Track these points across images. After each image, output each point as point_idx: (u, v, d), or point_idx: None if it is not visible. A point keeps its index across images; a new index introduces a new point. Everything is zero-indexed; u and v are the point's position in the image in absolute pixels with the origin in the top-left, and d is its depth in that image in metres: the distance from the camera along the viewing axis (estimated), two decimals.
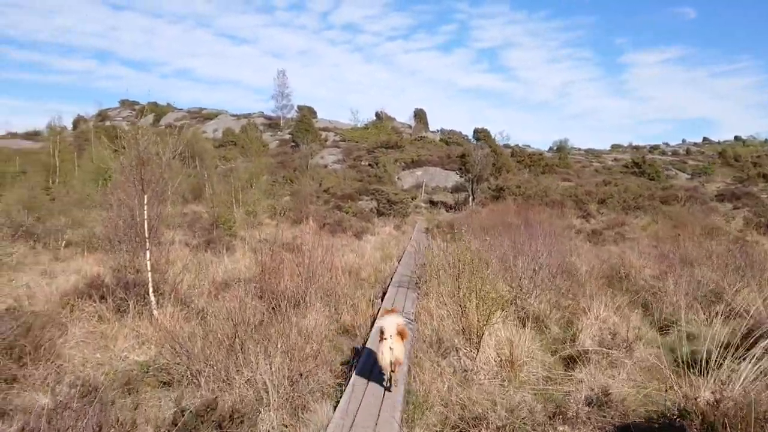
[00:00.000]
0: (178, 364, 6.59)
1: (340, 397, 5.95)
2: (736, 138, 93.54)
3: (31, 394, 5.85)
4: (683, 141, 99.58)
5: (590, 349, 7.68)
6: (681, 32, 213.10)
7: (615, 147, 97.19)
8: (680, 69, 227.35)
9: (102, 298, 9.24)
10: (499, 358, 6.90)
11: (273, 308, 9.78)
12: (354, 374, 6.47)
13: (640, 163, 54.29)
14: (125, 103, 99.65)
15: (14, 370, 6.13)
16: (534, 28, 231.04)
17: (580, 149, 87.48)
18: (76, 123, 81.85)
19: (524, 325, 8.25)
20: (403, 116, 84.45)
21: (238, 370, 6.02)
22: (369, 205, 33.45)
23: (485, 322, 6.81)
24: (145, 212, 8.36)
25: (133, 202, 8.35)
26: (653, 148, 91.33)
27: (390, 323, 6.22)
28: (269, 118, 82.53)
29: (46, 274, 14.65)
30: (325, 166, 50.45)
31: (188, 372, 6.40)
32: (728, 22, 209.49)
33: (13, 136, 73.41)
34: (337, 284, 11.47)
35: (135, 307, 8.51)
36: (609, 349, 7.59)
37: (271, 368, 5.78)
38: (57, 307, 9.60)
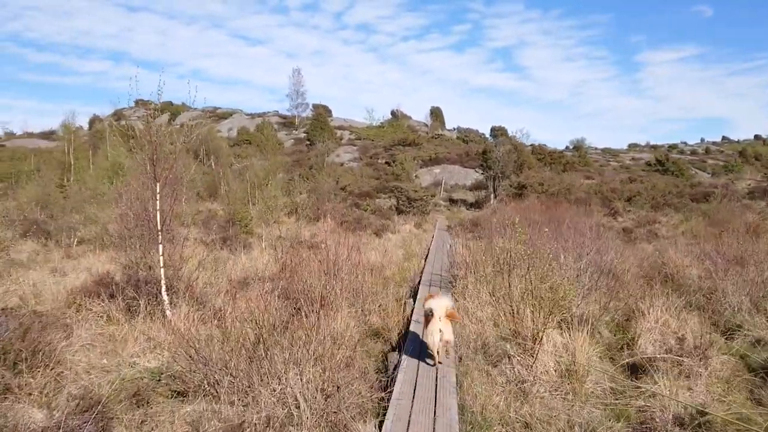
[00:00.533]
0: (193, 372, 5.79)
1: (382, 413, 5.10)
2: (756, 137, 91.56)
3: (26, 408, 5.08)
4: (702, 140, 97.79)
5: (657, 356, 6.78)
6: (697, 30, 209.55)
7: (632, 146, 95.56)
8: (697, 67, 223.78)
9: (111, 296, 8.50)
10: (558, 367, 6.02)
11: (297, 309, 9.02)
12: (396, 386, 5.61)
13: (664, 161, 52.95)
14: (140, 103, 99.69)
15: (7, 379, 5.36)
16: (548, 26, 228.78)
17: (596, 148, 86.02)
18: (92, 123, 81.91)
19: (570, 329, 7.39)
20: (419, 115, 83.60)
21: (262, 380, 5.19)
22: (387, 203, 32.61)
23: (544, 326, 5.93)
24: (158, 203, 7.58)
25: (145, 192, 7.58)
26: (671, 147, 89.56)
27: (439, 305, 6.21)
28: (284, 117, 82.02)
29: (56, 272, 14.03)
30: (341, 164, 49.66)
31: (205, 381, 5.60)
32: (745, 20, 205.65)
33: (29, 135, 73.69)
34: (363, 283, 10.63)
35: (146, 307, 7.74)
36: (679, 356, 6.68)
37: (302, 379, 4.95)
38: (64, 306, 8.89)
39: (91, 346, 7.15)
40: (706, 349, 6.67)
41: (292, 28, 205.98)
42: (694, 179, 42.75)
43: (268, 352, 5.35)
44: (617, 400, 5.72)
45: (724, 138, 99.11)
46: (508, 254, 7.18)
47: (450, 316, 6.30)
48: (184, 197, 9.79)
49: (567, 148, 77.97)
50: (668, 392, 5.63)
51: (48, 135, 67.20)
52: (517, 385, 5.80)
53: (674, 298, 9.44)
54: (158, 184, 7.57)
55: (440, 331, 6.03)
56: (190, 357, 5.71)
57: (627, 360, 6.79)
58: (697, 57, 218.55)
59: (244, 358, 5.51)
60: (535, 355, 6.03)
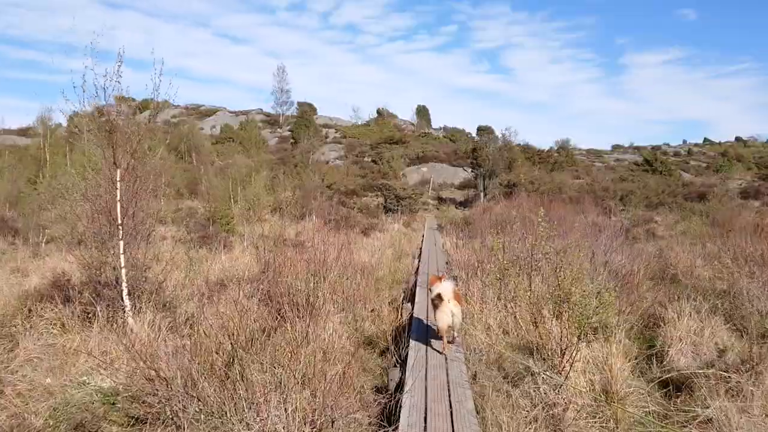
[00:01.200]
0: (153, 394, 4.75)
1: None
2: (737, 139, 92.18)
3: None
4: (684, 141, 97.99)
5: (698, 371, 5.87)
6: (681, 34, 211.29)
7: (616, 147, 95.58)
8: (680, 70, 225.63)
9: (68, 301, 7.41)
10: (592, 387, 5.07)
11: (280, 315, 8.03)
12: (403, 416, 4.58)
13: (652, 161, 52.61)
14: (121, 99, 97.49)
15: None
16: (535, 28, 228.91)
17: (581, 149, 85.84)
18: (71, 119, 79.76)
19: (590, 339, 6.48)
20: (405, 114, 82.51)
21: (236, 410, 4.16)
22: (375, 201, 31.62)
23: (578, 338, 4.97)
24: (118, 192, 6.49)
25: (103, 178, 6.49)
26: (655, 149, 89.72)
27: (447, 288, 6.29)
28: (268, 115, 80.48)
29: (17, 272, 12.85)
30: (327, 162, 48.58)
31: (167, 407, 4.56)
32: (728, 24, 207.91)
33: (5, 132, 71.41)
34: (355, 286, 9.63)
35: (105, 314, 6.65)
36: (724, 371, 5.77)
37: (286, 408, 3.93)
38: (13, 312, 7.78)
39: (39, 361, 6.08)
40: (756, 364, 5.76)
41: (278, 27, 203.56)
42: (684, 179, 42.35)
43: (245, 373, 4.33)
44: (666, 428, 4.79)
45: (705, 140, 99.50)
46: (530, 252, 6.24)
47: (458, 299, 6.40)
48: (158, 190, 8.68)
49: (552, 148, 77.60)
50: (724, 416, 4.71)
51: (24, 131, 65.09)
52: (545, 410, 4.83)
53: (697, 302, 8.56)
54: (118, 171, 6.49)
55: (452, 313, 6.12)
56: (148, 377, 4.67)
57: (664, 376, 5.86)
58: (681, 60, 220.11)
59: (215, 380, 4.48)
60: (565, 373, 5.07)
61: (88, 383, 5.46)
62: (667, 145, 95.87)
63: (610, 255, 11.43)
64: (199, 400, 4.41)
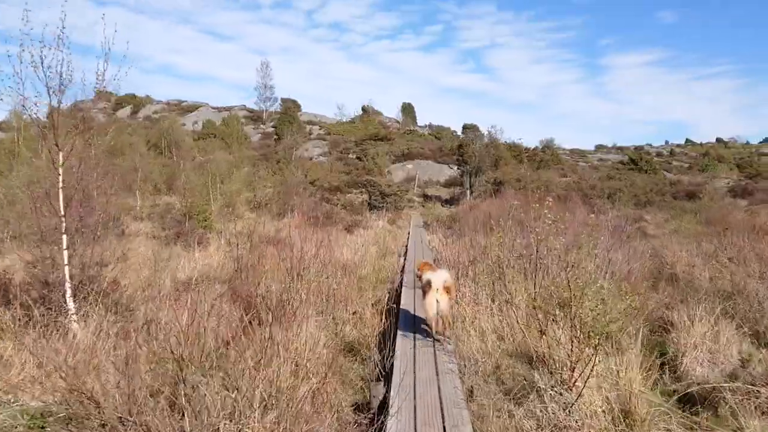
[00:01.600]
0: (87, 418, 3.93)
1: None
2: (718, 140, 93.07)
3: None
4: (666, 142, 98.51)
5: (721, 384, 5.17)
6: (662, 35, 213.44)
7: (599, 147, 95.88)
8: (661, 71, 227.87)
9: (7, 303, 6.52)
10: (609, 406, 4.33)
11: (250, 321, 7.24)
12: None
13: (637, 160, 52.48)
14: (101, 95, 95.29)
15: None
16: (520, 28, 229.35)
17: (564, 148, 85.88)
18: (50, 115, 77.79)
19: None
20: (390, 111, 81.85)
21: None
22: (359, 198, 30.80)
23: (594, 348, 4.23)
24: (60, 178, 5.62)
25: (45, 162, 5.63)
26: (638, 149, 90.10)
27: (438, 277, 6.21)
28: (251, 111, 79.17)
29: None
30: (310, 159, 47.60)
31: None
32: (707, 26, 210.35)
33: None
34: (335, 286, 8.82)
35: (46, 317, 5.78)
36: (752, 384, 5.09)
37: None
38: None
39: None
40: None
41: (263, 25, 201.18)
42: (670, 178, 42.11)
43: (193, 396, 3.52)
44: None
45: (687, 140, 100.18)
46: (536, 248, 5.50)
47: (447, 289, 6.20)
48: (112, 179, 7.80)
49: (536, 147, 77.32)
50: None
51: None
52: None
53: (706, 304, 7.89)
54: (61, 154, 5.62)
55: (437, 302, 6.03)
56: (78, 397, 3.84)
57: (685, 390, 5.16)
58: (662, 61, 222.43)
59: (159, 405, 3.66)
60: (577, 390, 4.33)
61: (15, 401, 4.62)
62: (650, 145, 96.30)
63: (612, 254, 10.79)
64: (138, 425, 3.60)
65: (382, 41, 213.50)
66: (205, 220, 19.54)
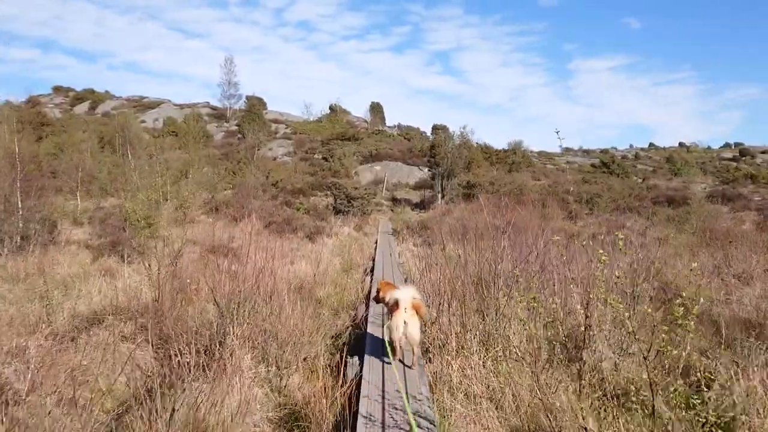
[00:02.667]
0: None
1: None
2: (681, 144, 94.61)
3: None
4: (631, 146, 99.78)
5: None
6: (626, 42, 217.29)
7: (566, 150, 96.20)
8: (625, 77, 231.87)
9: None
10: None
11: (162, 374, 5.47)
12: None
13: (609, 164, 52.01)
14: (59, 90, 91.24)
15: None
16: (487, 32, 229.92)
17: (532, 151, 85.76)
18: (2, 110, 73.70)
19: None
20: (359, 111, 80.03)
21: None
22: (324, 201, 28.91)
23: None
24: None
25: None
26: (603, 152, 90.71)
27: (405, 295, 5.55)
28: (215, 108, 76.46)
29: None
30: (274, 159, 45.47)
31: None
32: (670, 34, 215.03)
33: None
34: (283, 319, 6.94)
35: None
36: None
37: None
38: None
39: None
40: None
41: (231, 23, 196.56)
42: (649, 182, 41.43)
43: None
44: None
45: (651, 144, 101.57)
46: (585, 317, 3.79)
47: (416, 308, 5.50)
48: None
49: (505, 150, 76.71)
50: None
51: None
52: None
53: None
54: None
55: (405, 323, 5.40)
56: None
57: None
58: (625, 66, 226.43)
59: None
60: None
61: None
62: (615, 148, 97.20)
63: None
64: None
65: (350, 41, 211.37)
66: (149, 226, 17.39)
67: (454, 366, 5.34)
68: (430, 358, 5.90)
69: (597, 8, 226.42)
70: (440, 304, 6.52)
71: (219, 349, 6.05)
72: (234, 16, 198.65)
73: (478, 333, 5.75)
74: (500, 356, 5.50)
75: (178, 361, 5.82)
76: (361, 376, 5.37)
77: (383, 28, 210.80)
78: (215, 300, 6.54)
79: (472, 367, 5.09)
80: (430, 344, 6.25)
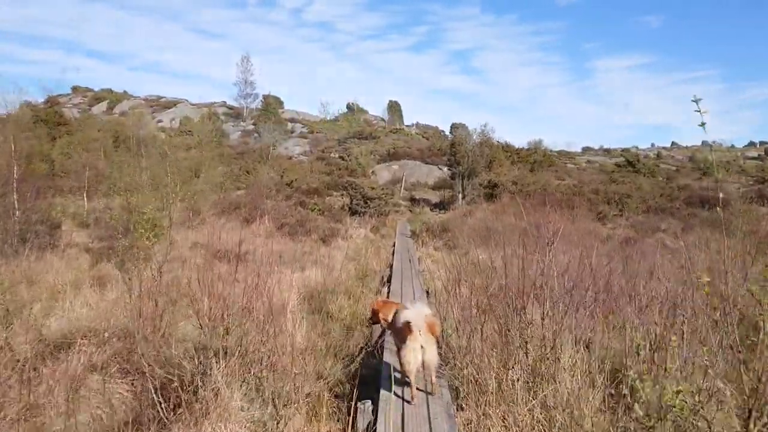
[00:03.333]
0: None
1: None
2: (704, 143, 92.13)
3: None
4: (653, 145, 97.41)
5: None
6: (646, 40, 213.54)
7: (586, 149, 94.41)
8: (645, 76, 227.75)
9: None
10: None
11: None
12: None
13: (635, 162, 50.19)
14: (77, 90, 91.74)
15: None
16: (504, 31, 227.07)
17: (552, 150, 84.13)
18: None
19: None
20: (376, 110, 78.87)
21: None
22: (339, 201, 27.82)
23: None
24: None
25: None
26: (624, 151, 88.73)
27: (417, 315, 4.71)
28: (231, 107, 75.89)
29: None
30: (290, 158, 44.55)
31: None
32: (691, 33, 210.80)
33: None
34: (280, 343, 5.76)
35: None
36: None
37: None
38: None
39: None
40: None
41: (250, 23, 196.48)
42: (679, 181, 39.73)
43: None
44: None
45: (673, 143, 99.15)
46: None
47: (431, 328, 4.67)
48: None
49: (527, 149, 75.12)
50: None
51: None
52: None
53: None
54: None
55: (422, 348, 4.54)
56: None
57: None
58: (646, 65, 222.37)
59: None
60: None
61: None
62: (636, 147, 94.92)
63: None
64: None
65: (368, 41, 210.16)
66: (153, 230, 16.39)
67: (493, 417, 4.14)
68: (461, 405, 4.71)
69: (616, 8, 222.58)
70: (471, 330, 5.32)
71: (202, 387, 4.94)
72: (252, 17, 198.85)
73: (522, 372, 4.54)
74: (552, 404, 4.30)
75: (156, 399, 4.77)
76: (374, 429, 4.19)
77: (401, 28, 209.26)
78: (201, 325, 5.42)
79: (518, 425, 3.88)
80: (459, 383, 5.08)
